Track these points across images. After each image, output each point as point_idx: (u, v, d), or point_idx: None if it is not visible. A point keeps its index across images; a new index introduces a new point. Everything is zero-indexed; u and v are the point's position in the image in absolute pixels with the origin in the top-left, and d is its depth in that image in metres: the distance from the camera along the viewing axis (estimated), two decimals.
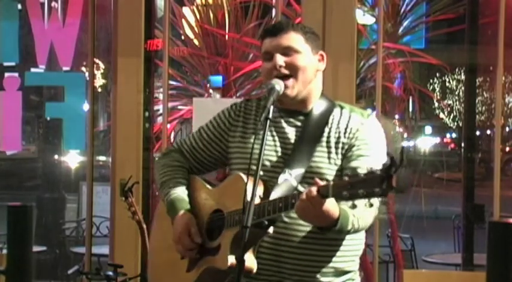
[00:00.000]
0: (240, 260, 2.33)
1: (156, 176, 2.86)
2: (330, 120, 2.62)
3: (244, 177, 2.49)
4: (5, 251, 3.80)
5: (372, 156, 2.56)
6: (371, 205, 2.19)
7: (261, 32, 2.77)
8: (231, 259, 2.47)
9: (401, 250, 6.63)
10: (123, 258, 4.56)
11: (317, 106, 2.66)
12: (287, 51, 2.61)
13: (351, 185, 2.18)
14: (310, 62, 2.63)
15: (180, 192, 2.74)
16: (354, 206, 2.24)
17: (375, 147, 2.59)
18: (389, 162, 2.11)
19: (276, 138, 2.64)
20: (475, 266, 5.35)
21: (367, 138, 2.59)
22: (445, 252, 7.31)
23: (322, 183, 2.30)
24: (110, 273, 3.98)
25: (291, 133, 2.64)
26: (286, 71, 2.60)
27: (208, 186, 2.76)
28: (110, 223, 4.97)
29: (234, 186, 2.55)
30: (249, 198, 2.38)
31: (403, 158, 2.13)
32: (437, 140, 28.02)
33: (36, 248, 6.21)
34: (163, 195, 2.78)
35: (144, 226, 4.14)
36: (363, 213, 2.41)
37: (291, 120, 2.66)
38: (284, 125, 2.65)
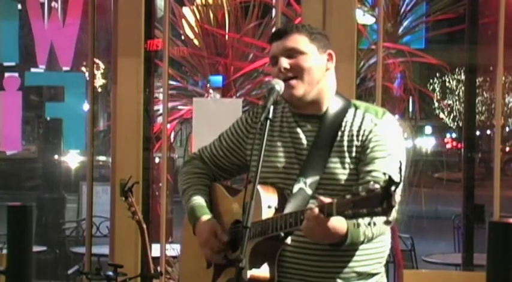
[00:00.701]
0: (240, 260, 2.33)
1: (179, 184, 2.85)
2: (344, 123, 2.58)
3: (260, 188, 2.46)
4: (5, 251, 3.81)
5: (388, 158, 2.49)
6: (374, 224, 2.17)
7: (269, 38, 2.74)
8: (251, 272, 2.45)
9: (401, 250, 6.62)
10: (123, 258, 4.56)
11: (332, 106, 2.61)
12: (291, 53, 2.59)
13: (354, 204, 2.15)
14: (317, 62, 2.60)
15: (199, 200, 2.73)
16: (357, 225, 2.24)
17: (391, 147, 2.52)
18: (388, 180, 2.07)
19: (291, 144, 2.62)
20: (475, 266, 5.33)
21: (381, 139, 2.53)
22: (445, 252, 7.30)
23: (327, 200, 2.26)
24: (110, 273, 3.97)
25: (305, 139, 2.60)
26: (291, 74, 2.57)
27: (228, 195, 2.75)
28: (110, 223, 4.97)
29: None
30: (264, 208, 2.39)
31: (401, 175, 2.09)
32: (437, 140, 27.98)
33: (36, 248, 6.20)
34: (184, 203, 2.77)
35: (144, 226, 4.14)
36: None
37: (305, 125, 2.62)
38: (298, 130, 2.63)
